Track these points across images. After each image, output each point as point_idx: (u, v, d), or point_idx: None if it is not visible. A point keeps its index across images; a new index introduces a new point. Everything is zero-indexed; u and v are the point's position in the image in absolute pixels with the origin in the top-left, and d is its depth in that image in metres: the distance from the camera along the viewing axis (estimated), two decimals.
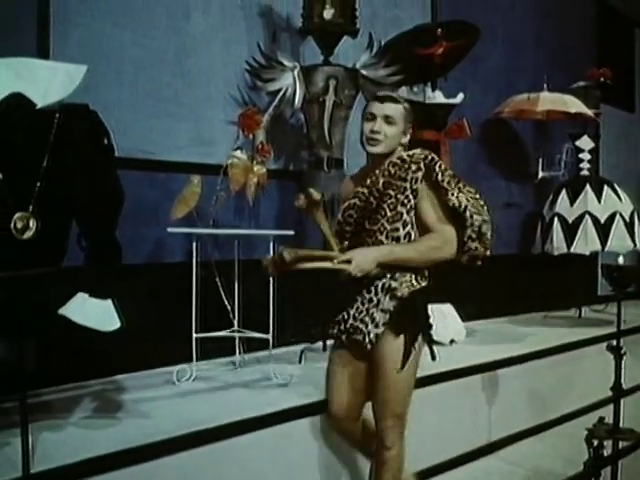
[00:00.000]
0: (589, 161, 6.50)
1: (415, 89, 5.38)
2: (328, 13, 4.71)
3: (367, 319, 2.93)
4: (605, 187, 6.22)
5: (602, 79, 6.78)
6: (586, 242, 6.02)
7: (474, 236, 2.90)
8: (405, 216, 2.91)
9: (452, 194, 2.90)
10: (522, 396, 4.77)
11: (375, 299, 2.94)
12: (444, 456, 4.17)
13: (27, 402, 2.68)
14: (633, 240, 6.04)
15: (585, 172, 6.46)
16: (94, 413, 3.47)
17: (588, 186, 6.19)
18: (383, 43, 4.90)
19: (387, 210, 2.91)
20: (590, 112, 6.40)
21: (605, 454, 3.94)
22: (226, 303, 4.20)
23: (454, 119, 5.43)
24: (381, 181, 2.95)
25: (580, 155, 6.50)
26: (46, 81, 2.68)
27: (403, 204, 2.90)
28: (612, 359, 4.01)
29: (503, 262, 6.71)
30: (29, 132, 2.66)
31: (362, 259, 2.84)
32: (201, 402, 3.61)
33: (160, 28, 4.49)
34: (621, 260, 4.27)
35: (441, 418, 4.16)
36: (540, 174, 6.82)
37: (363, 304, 2.96)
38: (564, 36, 7.61)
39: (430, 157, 2.96)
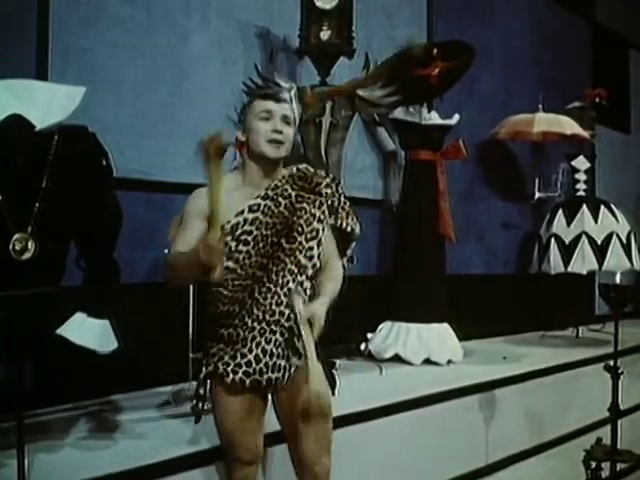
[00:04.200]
0: (585, 181, 6.53)
1: (411, 110, 5.41)
2: (325, 34, 4.74)
3: (288, 352, 2.59)
4: (602, 207, 6.25)
5: (597, 100, 6.83)
6: (583, 262, 6.04)
7: (345, 264, 2.77)
8: (321, 233, 2.63)
9: (352, 218, 2.73)
10: (519, 416, 4.76)
11: (295, 327, 2.55)
12: (442, 478, 4.15)
13: (24, 422, 2.67)
14: (630, 260, 6.06)
15: (581, 192, 6.50)
16: (90, 434, 3.45)
17: (584, 206, 6.22)
18: (379, 64, 4.93)
19: (304, 226, 2.60)
20: (585, 133, 6.44)
21: (603, 476, 3.93)
22: None
23: (450, 139, 5.45)
24: (293, 193, 2.63)
25: (576, 175, 6.54)
26: (45, 103, 2.69)
27: (320, 220, 2.64)
28: (609, 379, 4.01)
29: (500, 282, 6.76)
30: (28, 153, 2.67)
31: (322, 312, 2.49)
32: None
33: (158, 50, 4.51)
34: (618, 279, 4.28)
35: (438, 439, 4.15)
36: (537, 194, 6.86)
37: (283, 335, 2.57)
38: (559, 57, 7.67)
39: (332, 175, 2.78)
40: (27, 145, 2.66)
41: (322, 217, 2.65)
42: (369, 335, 5.41)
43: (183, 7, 4.66)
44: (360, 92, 4.79)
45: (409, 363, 5.19)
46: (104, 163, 2.89)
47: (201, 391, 2.65)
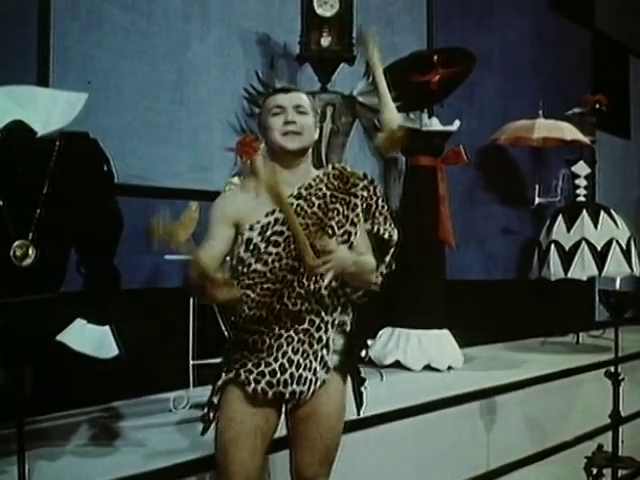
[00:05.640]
0: (585, 187, 6.53)
1: (412, 116, 5.41)
2: (325, 41, 4.75)
3: (315, 364, 2.42)
4: (601, 213, 6.25)
5: (597, 106, 6.83)
6: (583, 267, 6.03)
7: (384, 272, 2.58)
8: (353, 237, 2.46)
9: (390, 224, 2.55)
10: (520, 423, 4.75)
11: (325, 337, 2.43)
12: None
13: (24, 429, 2.67)
14: (630, 266, 6.05)
15: (581, 198, 6.49)
16: (91, 441, 3.45)
17: (584, 212, 6.22)
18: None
19: (335, 228, 2.44)
20: (586, 139, 6.44)
21: None
22: (223, 329, 4.18)
23: (451, 145, 5.46)
24: (327, 193, 2.47)
25: (576, 181, 6.53)
26: (47, 109, 2.70)
27: (353, 223, 2.47)
28: (610, 385, 4.01)
29: (500, 288, 6.75)
30: (30, 160, 2.68)
31: (344, 255, 2.33)
32: (198, 429, 3.59)
33: (159, 56, 4.52)
34: (618, 285, 4.28)
35: (439, 446, 4.13)
36: (537, 200, 6.85)
37: (311, 346, 2.41)
38: (560, 63, 7.67)
39: (370, 176, 2.58)
40: (28, 151, 2.66)
41: (355, 220, 2.48)
42: (369, 341, 5.40)
43: (183, 14, 4.67)
44: (361, 98, 4.80)
45: (409, 369, 5.18)
46: (105, 169, 2.90)
47: (215, 399, 2.47)
